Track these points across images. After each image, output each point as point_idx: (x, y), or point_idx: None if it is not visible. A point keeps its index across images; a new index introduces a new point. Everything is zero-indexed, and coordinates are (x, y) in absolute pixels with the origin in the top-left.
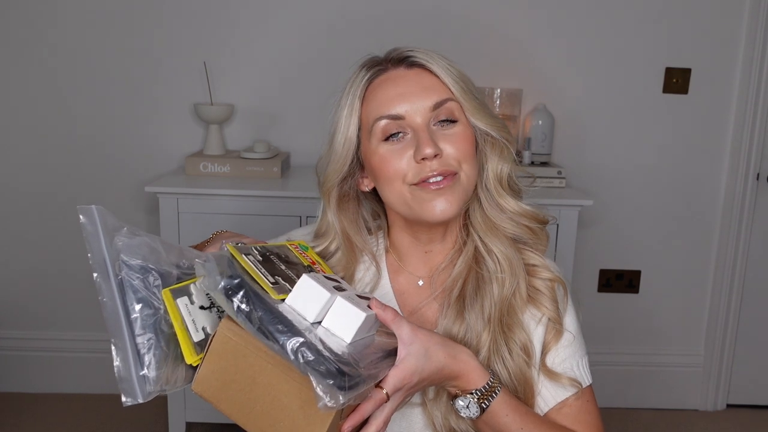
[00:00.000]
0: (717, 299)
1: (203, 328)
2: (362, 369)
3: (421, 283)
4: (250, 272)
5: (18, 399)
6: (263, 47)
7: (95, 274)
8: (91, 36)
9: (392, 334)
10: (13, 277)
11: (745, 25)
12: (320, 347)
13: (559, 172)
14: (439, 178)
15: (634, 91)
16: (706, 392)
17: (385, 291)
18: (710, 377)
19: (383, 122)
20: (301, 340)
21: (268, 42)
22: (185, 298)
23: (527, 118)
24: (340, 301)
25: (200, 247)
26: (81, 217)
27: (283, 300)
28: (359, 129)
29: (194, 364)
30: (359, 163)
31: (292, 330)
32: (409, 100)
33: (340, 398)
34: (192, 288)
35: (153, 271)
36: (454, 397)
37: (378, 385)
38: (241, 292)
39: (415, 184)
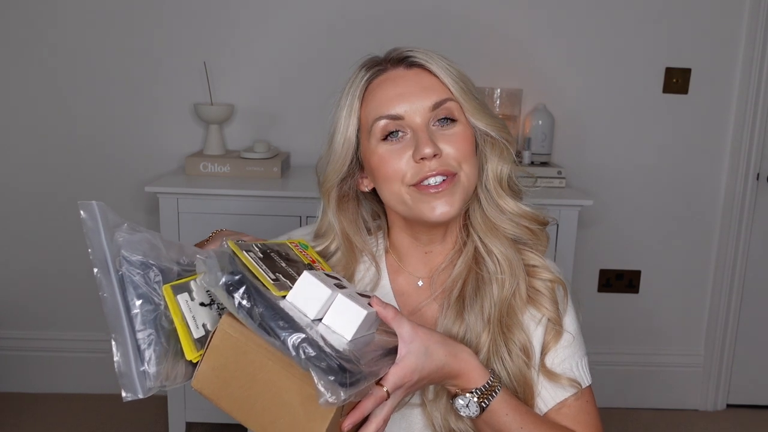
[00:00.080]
0: (717, 299)
1: (203, 325)
2: (363, 366)
3: (420, 283)
4: (251, 269)
5: (18, 399)
6: (263, 47)
7: (96, 270)
8: (91, 36)
9: (392, 333)
10: (13, 277)
11: (745, 25)
12: (321, 343)
13: (559, 172)
14: (438, 179)
15: (634, 91)
16: (706, 392)
17: (385, 291)
18: (710, 377)
19: (382, 122)
20: (303, 336)
21: (268, 42)
22: (185, 295)
23: (527, 118)
24: (341, 298)
25: (200, 246)
26: (82, 212)
27: (284, 297)
28: (358, 129)
29: (194, 361)
30: (359, 164)
31: (294, 326)
32: (408, 100)
33: (342, 394)
34: (192, 285)
35: (154, 267)
36: (453, 396)
37: (378, 383)
38: (242, 288)
39: (413, 186)
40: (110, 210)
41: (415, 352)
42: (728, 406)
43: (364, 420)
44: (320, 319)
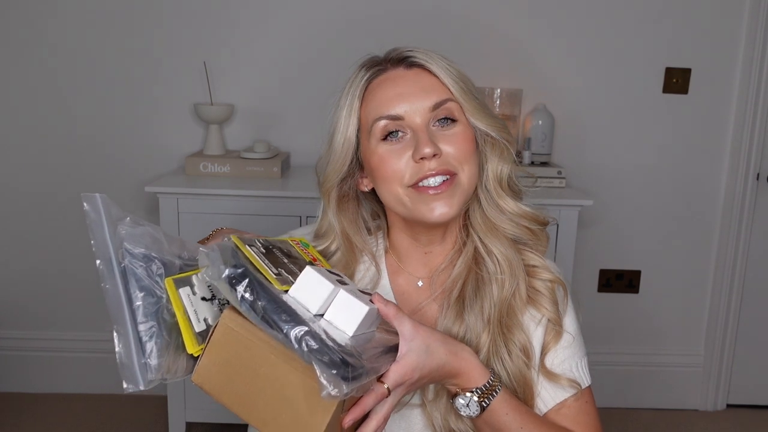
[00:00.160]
0: (717, 299)
1: (205, 319)
2: (365, 361)
3: (420, 283)
4: (253, 262)
5: (18, 399)
6: (263, 47)
7: (98, 261)
8: (91, 36)
9: (393, 331)
10: (13, 277)
11: (745, 25)
12: (324, 337)
13: (559, 172)
14: (438, 180)
15: (634, 91)
16: (706, 392)
17: (385, 292)
18: (710, 377)
19: (382, 122)
20: (305, 329)
21: (268, 42)
22: (187, 289)
23: (527, 118)
24: (343, 293)
25: (201, 243)
26: (85, 204)
27: (287, 291)
28: (358, 129)
29: (195, 354)
30: (359, 164)
31: (296, 319)
32: (408, 100)
33: (344, 388)
34: (194, 279)
35: (156, 260)
36: (454, 396)
37: (379, 380)
38: (245, 281)
39: (412, 187)
40: (113, 203)
41: (416, 349)
42: (728, 406)
43: (364, 417)
44: (322, 315)
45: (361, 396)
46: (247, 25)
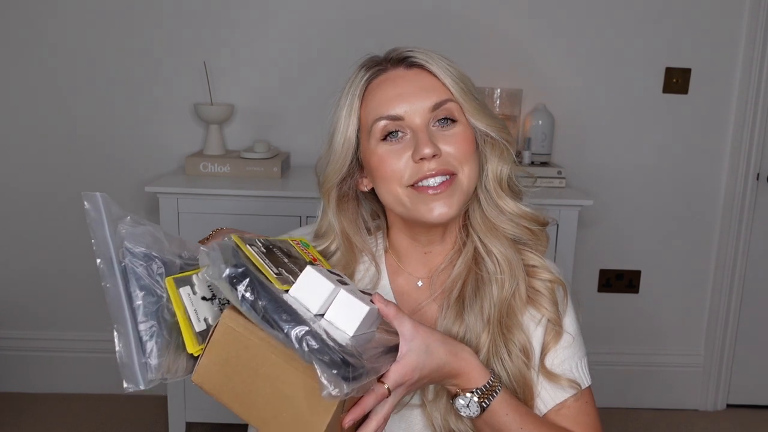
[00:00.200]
0: (717, 299)
1: (205, 319)
2: (365, 361)
3: (420, 283)
4: (254, 262)
5: (18, 399)
6: (263, 47)
7: (98, 260)
8: (91, 36)
9: (393, 332)
10: (13, 277)
11: (745, 25)
12: (325, 337)
13: (559, 172)
14: (438, 180)
15: (634, 91)
16: (706, 392)
17: (385, 292)
18: (710, 377)
19: (382, 123)
20: (306, 328)
21: (268, 42)
22: (188, 288)
23: (527, 118)
24: (343, 293)
25: (201, 243)
26: (85, 203)
27: (287, 291)
28: (358, 129)
29: (195, 354)
30: (358, 164)
31: (297, 319)
32: (408, 100)
33: (345, 388)
34: (195, 278)
35: (156, 259)
36: (454, 396)
37: (379, 380)
38: (246, 281)
39: (411, 186)
40: (113, 202)
41: (416, 350)
42: (728, 406)
43: (365, 417)
44: (322, 315)
45: (362, 396)
46: (247, 25)
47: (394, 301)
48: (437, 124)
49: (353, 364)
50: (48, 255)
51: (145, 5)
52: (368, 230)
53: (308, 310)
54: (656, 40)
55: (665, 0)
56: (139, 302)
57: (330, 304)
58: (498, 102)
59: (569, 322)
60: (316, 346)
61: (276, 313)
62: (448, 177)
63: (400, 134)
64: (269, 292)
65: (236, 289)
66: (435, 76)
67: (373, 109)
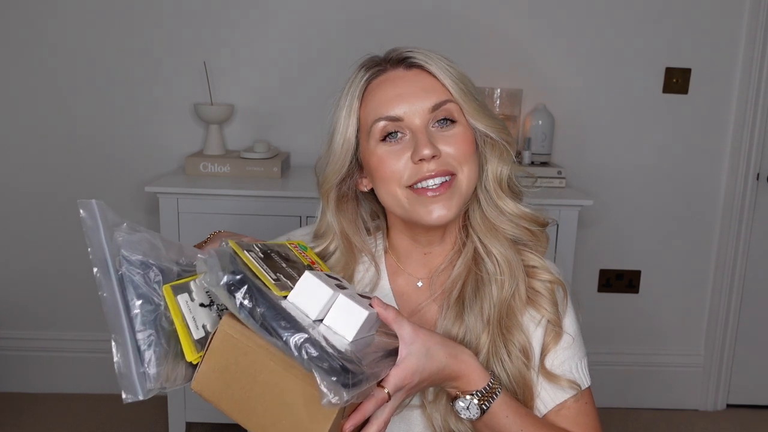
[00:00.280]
0: (717, 299)
1: (203, 326)
2: (365, 367)
3: (420, 284)
4: (252, 268)
5: (18, 399)
6: (263, 47)
7: (95, 269)
8: (91, 36)
9: (392, 335)
10: (13, 277)
11: (745, 25)
12: (324, 344)
13: (559, 172)
14: (437, 181)
15: (634, 91)
16: (706, 392)
17: (385, 292)
18: (710, 377)
19: (381, 123)
20: (305, 336)
21: (268, 42)
22: (185, 295)
23: (527, 118)
24: (342, 298)
25: (198, 247)
26: (81, 211)
27: (286, 297)
28: (358, 130)
29: (194, 362)
30: (358, 164)
31: (296, 326)
32: (407, 101)
33: (344, 395)
34: (192, 285)
35: (154, 267)
36: (454, 399)
37: (379, 385)
38: (244, 288)
39: (410, 187)
40: (109, 209)
41: (416, 353)
42: (728, 406)
43: (365, 422)
44: (321, 320)
45: (362, 401)
46: (247, 25)
47: (393, 301)
48: (437, 124)
49: (353, 371)
50: (48, 255)
51: (145, 5)
52: (367, 230)
53: (307, 316)
54: (656, 40)
55: (665, 0)
56: (137, 311)
57: (329, 309)
58: (498, 102)
59: (569, 322)
60: (315, 354)
61: (274, 320)
62: (447, 178)
63: (399, 135)
64: (267, 299)
65: (234, 297)
66: (434, 76)
67: (372, 109)
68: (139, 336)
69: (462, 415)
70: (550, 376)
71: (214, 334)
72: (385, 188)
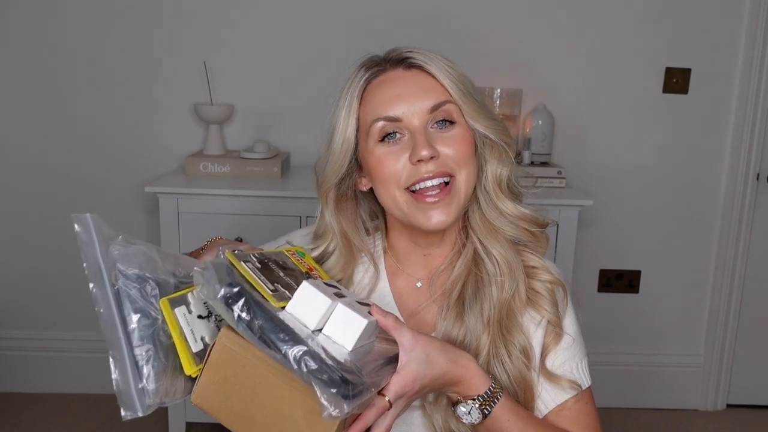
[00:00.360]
0: (717, 299)
1: (202, 338)
2: (365, 377)
3: (419, 284)
4: (249, 280)
5: (18, 399)
6: (263, 47)
7: (91, 284)
8: (91, 36)
9: (392, 341)
10: (13, 277)
11: (745, 25)
12: (323, 355)
13: (559, 172)
14: (435, 182)
15: (634, 91)
16: (706, 392)
17: (384, 293)
18: (710, 377)
19: (380, 124)
20: (304, 348)
21: (268, 42)
22: (183, 308)
23: (527, 118)
24: (341, 307)
25: (195, 254)
26: (76, 225)
27: (284, 308)
28: (357, 130)
29: (193, 376)
30: (357, 164)
31: (294, 338)
32: (406, 101)
33: (345, 407)
34: (189, 297)
35: (150, 281)
36: (455, 404)
37: (380, 393)
38: (241, 301)
39: (409, 190)
40: (104, 222)
41: (416, 359)
42: (728, 406)
43: (367, 431)
44: (321, 330)
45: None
46: (247, 25)
47: (393, 302)
48: (436, 125)
49: (353, 382)
50: (48, 255)
51: (145, 5)
52: (366, 231)
53: (306, 327)
54: (656, 40)
55: (665, 0)
56: (134, 326)
57: (327, 319)
58: (498, 102)
59: (569, 323)
60: (314, 367)
61: (273, 332)
62: (446, 179)
63: (398, 135)
64: (265, 311)
65: (232, 310)
66: (434, 77)
67: (371, 109)
68: (137, 351)
69: (464, 420)
70: (551, 377)
71: (212, 346)
72: (384, 189)
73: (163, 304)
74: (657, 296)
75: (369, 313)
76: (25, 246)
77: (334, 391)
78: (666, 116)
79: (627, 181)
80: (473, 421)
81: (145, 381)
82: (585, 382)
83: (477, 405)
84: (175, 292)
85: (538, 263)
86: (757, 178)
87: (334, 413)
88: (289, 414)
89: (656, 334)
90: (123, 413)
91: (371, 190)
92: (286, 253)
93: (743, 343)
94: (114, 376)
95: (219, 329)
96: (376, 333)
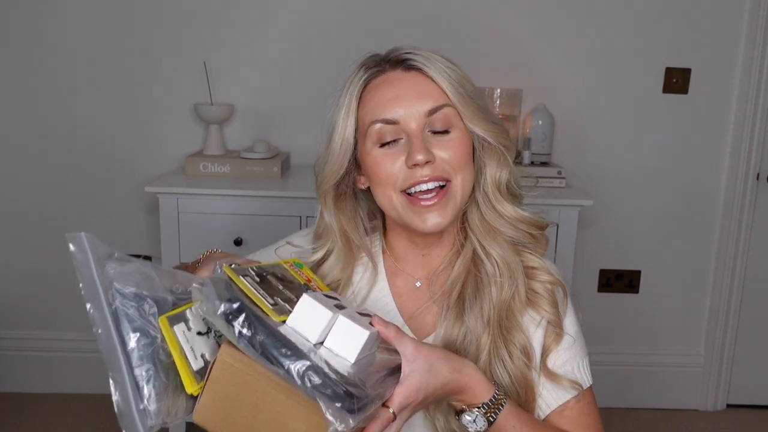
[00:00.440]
0: (717, 299)
1: (202, 355)
2: (369, 389)
3: (419, 284)
4: (248, 294)
5: (18, 399)
6: (263, 47)
7: (88, 305)
8: (91, 36)
9: (393, 350)
10: (13, 277)
11: (745, 25)
12: (326, 369)
13: (559, 172)
14: (431, 186)
15: (634, 91)
16: (706, 392)
17: (383, 293)
18: (710, 377)
19: (378, 126)
20: (307, 363)
21: (268, 42)
22: (182, 325)
23: (527, 118)
24: (342, 319)
25: (192, 268)
26: (71, 245)
27: (284, 322)
28: (356, 130)
29: (195, 394)
30: (356, 162)
31: (297, 353)
32: (404, 104)
33: (350, 421)
34: (188, 313)
35: (148, 299)
36: (460, 412)
37: (384, 404)
38: (242, 316)
39: (405, 193)
40: (99, 241)
41: (419, 370)
42: (728, 406)
43: None
44: (322, 342)
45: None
46: (247, 25)
47: (393, 302)
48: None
49: (357, 395)
50: (48, 255)
51: (145, 5)
52: (365, 231)
53: (307, 340)
54: (656, 40)
55: (665, 0)
56: (133, 346)
57: (329, 332)
58: (498, 102)
59: (570, 323)
60: (318, 382)
61: (275, 348)
62: (441, 183)
63: (396, 140)
64: (266, 326)
65: (232, 326)
66: (432, 79)
67: (369, 110)
68: (137, 371)
69: (469, 428)
70: (552, 377)
71: (213, 363)
72: (381, 191)
73: (162, 322)
74: (657, 296)
75: (370, 323)
76: (25, 246)
77: (338, 405)
78: (666, 116)
79: (627, 181)
80: (479, 429)
81: (146, 401)
82: (586, 381)
83: (482, 413)
84: (174, 310)
85: (538, 263)
86: (757, 178)
87: (339, 428)
88: (292, 429)
89: (656, 334)
90: None
91: (369, 188)
92: (284, 265)
93: (743, 343)
94: (115, 397)
95: (219, 345)
96: (378, 344)
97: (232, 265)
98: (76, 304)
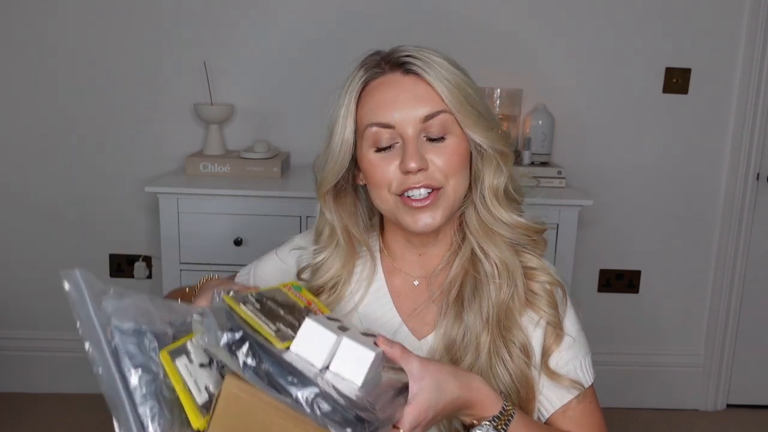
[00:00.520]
0: (717, 299)
1: (206, 388)
2: (379, 411)
3: (416, 282)
4: (250, 322)
5: (18, 399)
6: (263, 47)
7: (87, 343)
8: (91, 36)
9: (398, 368)
10: (13, 277)
11: (745, 25)
12: (335, 395)
13: (559, 172)
14: (423, 192)
15: (634, 91)
16: (706, 392)
17: (382, 292)
18: (710, 377)
19: (373, 129)
20: (316, 390)
21: (268, 42)
22: (184, 358)
23: (527, 118)
24: (346, 342)
25: (188, 295)
26: (66, 283)
27: (288, 348)
28: (355, 131)
29: (201, 429)
30: (354, 160)
31: (304, 381)
32: (400, 108)
33: None
34: (189, 345)
35: (147, 333)
36: (470, 427)
37: (395, 426)
38: (245, 346)
39: (398, 195)
40: (94, 277)
41: (427, 388)
42: (728, 406)
43: None
44: (327, 367)
45: None
46: (247, 25)
47: (391, 301)
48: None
49: (368, 420)
50: (48, 255)
51: (145, 5)
52: (365, 226)
53: (312, 365)
54: (656, 40)
55: (665, 0)
56: (135, 383)
57: (334, 355)
58: (498, 102)
59: (570, 323)
60: (328, 409)
61: (281, 376)
62: (433, 190)
63: (392, 145)
64: (271, 354)
65: (236, 356)
66: (430, 85)
67: (367, 112)
68: (141, 410)
69: None
70: (555, 377)
71: (218, 395)
72: (376, 192)
73: (164, 356)
74: (657, 296)
75: (375, 343)
76: (25, 246)
77: (349, 431)
78: (666, 116)
79: (627, 181)
80: None
81: None
82: (588, 379)
83: (492, 426)
84: (174, 342)
85: (537, 264)
86: (757, 178)
87: None
88: None
89: (656, 334)
90: None
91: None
92: (283, 289)
93: (743, 343)
94: None
95: (222, 375)
96: (383, 363)
97: (231, 293)
98: None
